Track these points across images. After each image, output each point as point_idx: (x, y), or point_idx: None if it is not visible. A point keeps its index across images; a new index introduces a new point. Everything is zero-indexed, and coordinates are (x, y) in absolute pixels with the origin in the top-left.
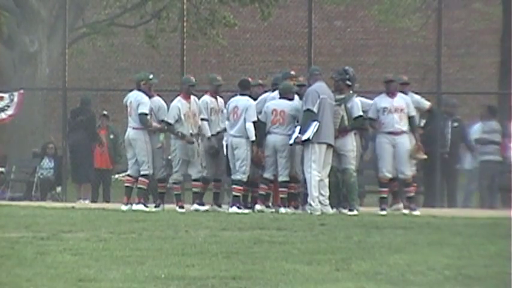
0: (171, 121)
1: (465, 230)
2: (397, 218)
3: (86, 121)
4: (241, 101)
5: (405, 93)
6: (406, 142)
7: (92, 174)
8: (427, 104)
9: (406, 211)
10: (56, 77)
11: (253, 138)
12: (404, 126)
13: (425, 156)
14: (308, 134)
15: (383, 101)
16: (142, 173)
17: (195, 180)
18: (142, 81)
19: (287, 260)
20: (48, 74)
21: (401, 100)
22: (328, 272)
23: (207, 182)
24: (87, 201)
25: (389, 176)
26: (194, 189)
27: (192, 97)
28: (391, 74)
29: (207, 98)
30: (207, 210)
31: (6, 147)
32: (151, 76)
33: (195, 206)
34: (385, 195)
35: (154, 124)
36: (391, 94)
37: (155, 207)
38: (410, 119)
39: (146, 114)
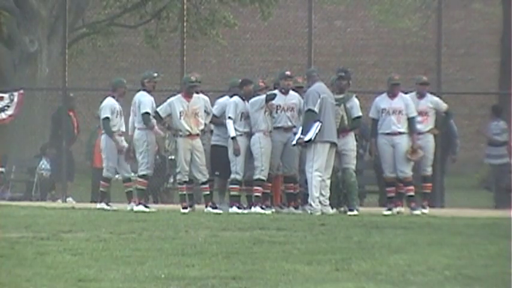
0: (162, 114)
1: (465, 230)
2: (397, 218)
3: (66, 125)
4: None
5: (424, 94)
6: (404, 143)
7: (73, 173)
8: (444, 105)
9: (418, 212)
10: (56, 77)
11: (232, 134)
12: (403, 128)
13: (422, 154)
14: (310, 135)
15: (383, 102)
16: (140, 173)
17: (203, 183)
18: (146, 80)
19: (287, 260)
20: (48, 74)
21: (400, 101)
22: (328, 272)
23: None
24: (70, 199)
25: (393, 175)
26: (204, 193)
27: (196, 96)
28: (398, 75)
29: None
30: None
31: (6, 147)
32: (155, 74)
33: (209, 209)
34: (391, 195)
35: (155, 129)
36: (391, 95)
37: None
38: (410, 120)
39: (148, 114)
